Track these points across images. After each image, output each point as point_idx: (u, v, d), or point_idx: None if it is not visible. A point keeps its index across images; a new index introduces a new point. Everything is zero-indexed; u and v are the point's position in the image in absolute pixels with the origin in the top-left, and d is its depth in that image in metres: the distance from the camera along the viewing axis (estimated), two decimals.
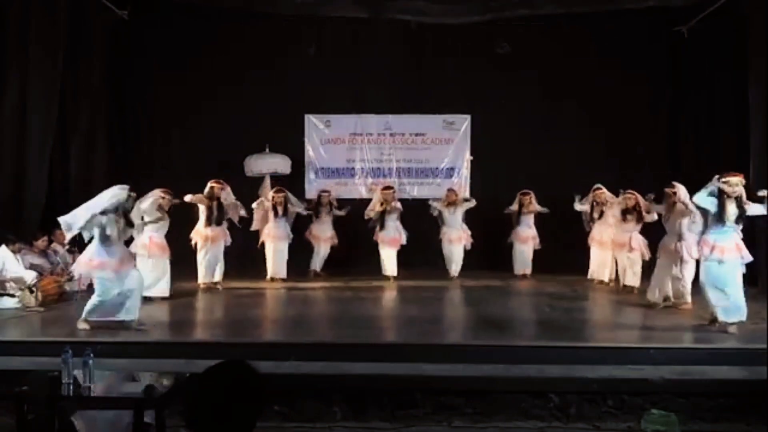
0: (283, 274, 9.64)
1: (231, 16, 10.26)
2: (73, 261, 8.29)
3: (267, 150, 10.55)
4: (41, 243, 8.02)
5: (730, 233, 6.20)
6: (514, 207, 10.09)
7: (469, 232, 10.04)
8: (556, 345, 5.98)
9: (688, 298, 7.38)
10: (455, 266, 9.98)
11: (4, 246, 7.54)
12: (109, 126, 10.61)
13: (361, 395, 5.10)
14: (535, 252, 10.09)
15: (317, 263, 10.19)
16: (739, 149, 9.36)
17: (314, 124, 11.46)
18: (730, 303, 6.18)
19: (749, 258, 6.30)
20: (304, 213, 10.04)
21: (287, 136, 11.04)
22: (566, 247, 9.86)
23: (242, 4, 9.90)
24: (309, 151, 11.43)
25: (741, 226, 6.23)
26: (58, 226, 8.44)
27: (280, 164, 10.58)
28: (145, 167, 11.30)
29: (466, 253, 10.06)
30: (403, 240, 9.93)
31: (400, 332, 6.91)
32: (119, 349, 5.56)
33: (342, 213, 10.25)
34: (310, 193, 11.16)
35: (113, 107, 10.86)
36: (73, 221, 6.29)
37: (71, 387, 3.99)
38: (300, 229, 10.12)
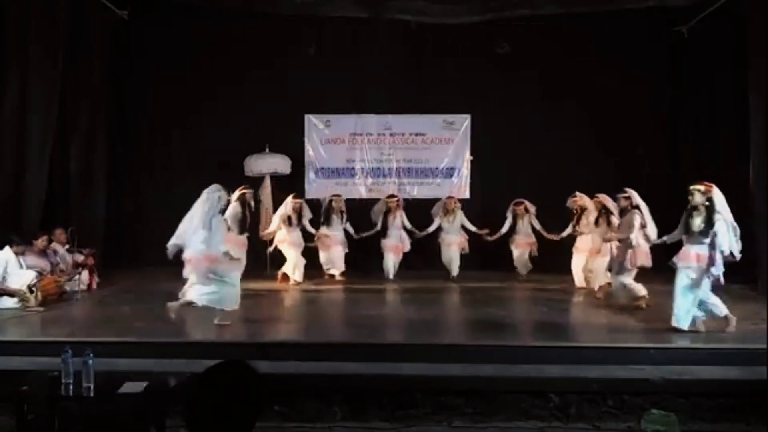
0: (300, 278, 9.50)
1: (231, 16, 10.27)
2: (73, 261, 8.33)
3: (267, 150, 10.55)
4: (41, 243, 8.02)
5: (696, 242, 6.16)
6: (509, 221, 9.92)
7: (467, 237, 9.98)
8: (556, 345, 5.98)
9: (643, 292, 7.37)
10: (454, 268, 9.95)
11: (7, 248, 7.54)
12: (109, 126, 10.62)
13: (361, 395, 5.10)
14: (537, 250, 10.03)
15: (336, 265, 9.82)
16: (739, 149, 9.36)
17: (314, 124, 11.46)
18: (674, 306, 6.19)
19: (713, 269, 6.06)
20: (311, 230, 9.74)
21: (287, 136, 11.04)
22: (566, 247, 9.83)
23: (242, 4, 9.91)
24: (309, 151, 11.43)
25: (709, 239, 6.06)
26: (57, 225, 8.53)
27: (280, 164, 10.58)
28: (145, 167, 11.35)
29: (466, 254, 10.05)
30: (407, 247, 9.96)
31: (400, 332, 6.91)
32: (119, 349, 5.55)
33: (354, 235, 9.92)
34: (310, 192, 11.16)
35: (113, 107, 10.87)
36: (183, 236, 6.63)
37: (71, 387, 3.99)
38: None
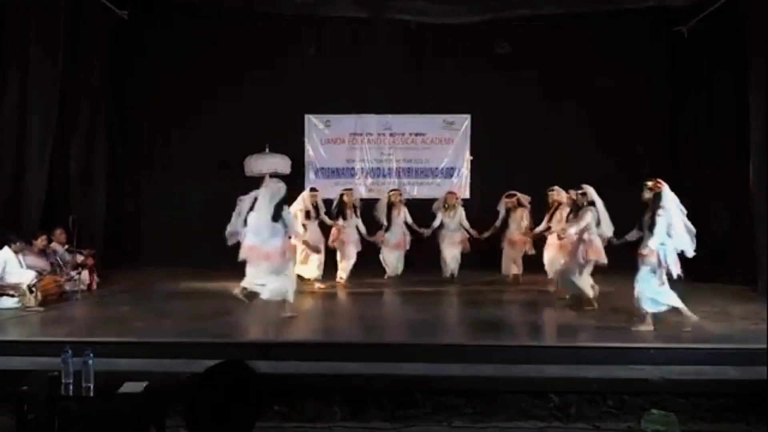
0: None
1: (231, 16, 10.26)
2: (73, 261, 8.32)
3: (267, 150, 10.54)
4: (40, 242, 8.02)
5: (647, 238, 6.29)
6: (502, 214, 9.55)
7: (467, 236, 9.74)
8: (556, 345, 5.99)
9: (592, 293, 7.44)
10: (454, 268, 9.77)
11: (6, 247, 7.54)
12: (109, 126, 10.61)
13: (361, 395, 5.10)
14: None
15: (346, 270, 9.38)
16: (739, 149, 9.36)
17: (314, 124, 11.47)
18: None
19: (651, 264, 6.23)
20: (330, 222, 9.38)
21: (287, 136, 11.04)
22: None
23: (242, 4, 9.90)
24: (309, 151, 11.44)
25: (650, 235, 6.19)
26: (57, 225, 8.53)
27: (280, 164, 10.57)
28: (145, 167, 11.35)
29: (467, 253, 9.94)
30: (407, 245, 9.80)
31: (400, 332, 6.90)
32: (119, 349, 5.56)
33: (367, 236, 9.54)
34: None
35: (113, 107, 10.87)
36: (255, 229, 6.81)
37: (71, 387, 4.00)
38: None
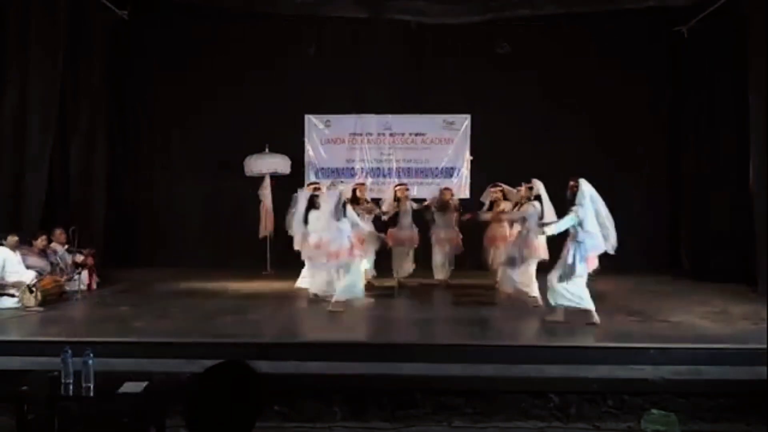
0: None
1: (231, 16, 10.27)
2: (73, 261, 8.32)
3: (267, 150, 10.55)
4: (40, 242, 8.02)
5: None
6: (486, 205, 9.06)
7: (461, 236, 9.40)
8: (556, 345, 5.99)
9: (534, 293, 7.53)
10: (448, 267, 9.52)
11: (3, 246, 7.53)
12: (109, 126, 10.61)
13: (361, 395, 5.10)
14: None
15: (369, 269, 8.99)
16: (739, 149, 9.36)
17: (314, 124, 11.47)
18: None
19: (563, 258, 6.57)
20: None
21: (287, 136, 11.04)
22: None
23: (242, 4, 9.90)
24: (309, 151, 11.43)
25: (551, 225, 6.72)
26: (57, 225, 8.54)
27: (280, 164, 10.58)
28: (145, 167, 11.35)
29: (463, 254, 9.76)
30: (416, 241, 9.42)
31: (400, 332, 6.90)
32: (119, 349, 5.56)
33: (382, 212, 9.25)
34: None
35: (113, 107, 10.87)
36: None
37: (71, 387, 4.00)
38: None
